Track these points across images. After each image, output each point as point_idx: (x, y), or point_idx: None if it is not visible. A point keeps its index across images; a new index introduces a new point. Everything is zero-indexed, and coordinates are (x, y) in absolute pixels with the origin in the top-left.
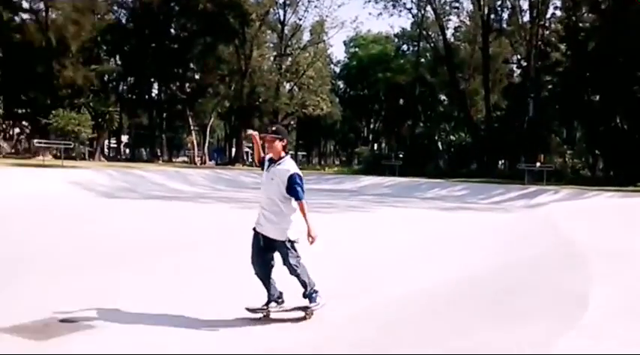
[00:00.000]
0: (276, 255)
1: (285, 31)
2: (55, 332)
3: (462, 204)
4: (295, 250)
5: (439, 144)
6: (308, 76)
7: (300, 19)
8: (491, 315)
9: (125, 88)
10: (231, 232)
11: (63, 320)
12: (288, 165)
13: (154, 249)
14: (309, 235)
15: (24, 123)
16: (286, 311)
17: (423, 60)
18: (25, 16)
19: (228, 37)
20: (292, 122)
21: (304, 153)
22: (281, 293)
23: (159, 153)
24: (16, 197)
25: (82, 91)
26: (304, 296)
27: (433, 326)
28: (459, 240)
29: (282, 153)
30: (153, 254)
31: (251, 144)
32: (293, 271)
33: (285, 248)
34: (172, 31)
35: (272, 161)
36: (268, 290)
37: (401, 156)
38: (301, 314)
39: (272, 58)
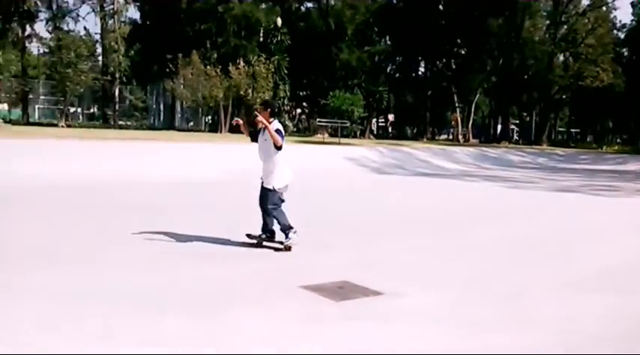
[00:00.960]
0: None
1: None
2: (348, 295)
3: None
4: (275, 197)
5: None
6: (586, 45)
7: None
8: None
9: (393, 67)
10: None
11: (355, 285)
12: (274, 124)
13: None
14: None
15: (304, 104)
16: (273, 242)
17: None
18: (309, 4)
19: (498, 9)
20: (564, 96)
21: (577, 130)
22: (273, 231)
23: (423, 131)
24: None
25: (355, 72)
26: (281, 230)
27: None
28: None
29: (271, 119)
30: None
31: (517, 121)
32: (268, 213)
33: (267, 193)
34: (441, 7)
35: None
36: (265, 225)
37: None
38: (280, 246)
39: (545, 28)
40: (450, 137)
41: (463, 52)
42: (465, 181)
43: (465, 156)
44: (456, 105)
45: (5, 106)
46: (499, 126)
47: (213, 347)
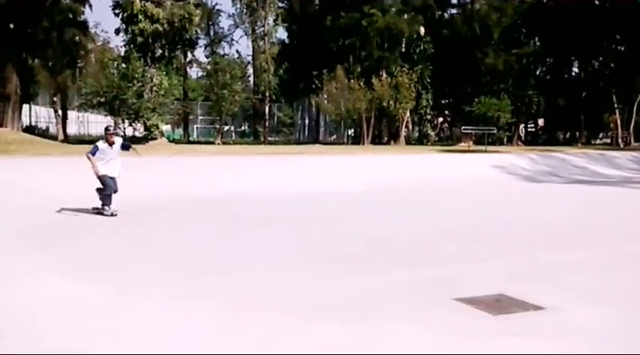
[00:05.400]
0: (119, 185)
1: None
2: (506, 309)
3: None
4: (102, 184)
5: None
6: None
7: None
8: None
9: (543, 69)
10: None
11: (512, 298)
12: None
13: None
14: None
15: (446, 112)
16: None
17: None
18: (453, 10)
19: None
20: None
21: None
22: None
23: (577, 136)
24: (457, 180)
25: (502, 77)
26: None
27: None
28: None
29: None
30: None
31: None
32: (99, 193)
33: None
34: (597, 1)
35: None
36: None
37: None
38: (96, 211)
39: None
40: (608, 141)
41: (622, 49)
42: (629, 188)
43: (627, 161)
44: (615, 106)
45: (169, 127)
46: None
47: None
